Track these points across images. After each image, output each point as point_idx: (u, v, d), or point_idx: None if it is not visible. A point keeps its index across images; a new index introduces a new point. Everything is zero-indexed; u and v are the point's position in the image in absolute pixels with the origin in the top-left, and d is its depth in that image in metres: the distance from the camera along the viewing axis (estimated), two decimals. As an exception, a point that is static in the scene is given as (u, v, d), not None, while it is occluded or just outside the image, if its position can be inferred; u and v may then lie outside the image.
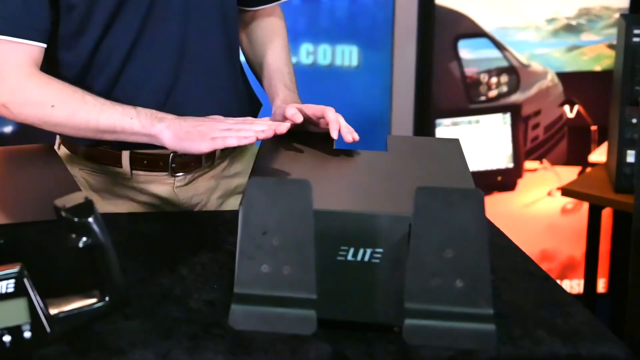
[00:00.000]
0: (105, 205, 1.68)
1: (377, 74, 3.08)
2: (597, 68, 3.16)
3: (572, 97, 3.18)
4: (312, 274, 1.16)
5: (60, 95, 1.55)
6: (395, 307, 1.18)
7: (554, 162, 3.21)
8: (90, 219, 1.13)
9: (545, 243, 3.23)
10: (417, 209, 1.14)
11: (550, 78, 3.15)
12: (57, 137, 1.75)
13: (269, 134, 1.43)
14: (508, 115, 3.16)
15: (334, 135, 1.51)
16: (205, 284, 1.38)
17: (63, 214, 1.13)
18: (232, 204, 1.77)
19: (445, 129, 3.12)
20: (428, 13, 3.03)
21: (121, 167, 1.69)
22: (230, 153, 1.78)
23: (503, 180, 3.18)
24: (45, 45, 1.58)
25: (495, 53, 3.10)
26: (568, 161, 3.22)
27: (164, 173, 1.70)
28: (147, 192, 1.71)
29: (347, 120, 1.54)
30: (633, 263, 2.24)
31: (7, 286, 1.09)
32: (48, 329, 1.12)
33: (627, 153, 2.59)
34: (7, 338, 1.10)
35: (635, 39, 2.54)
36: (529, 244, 2.91)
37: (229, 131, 1.46)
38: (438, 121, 3.12)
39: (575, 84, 3.16)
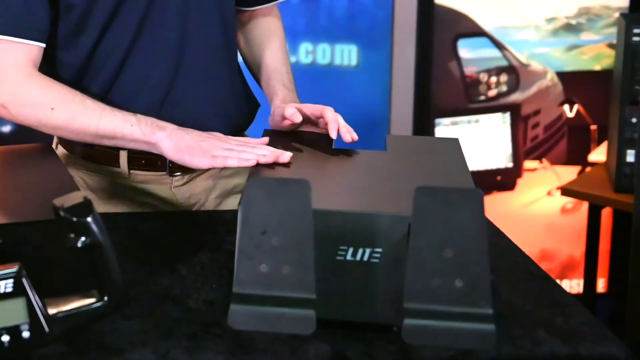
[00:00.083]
0: (103, 205, 1.68)
1: (376, 74, 3.08)
2: (597, 67, 3.16)
3: (571, 96, 3.18)
4: (312, 273, 1.16)
5: (61, 98, 1.55)
6: (395, 307, 1.18)
7: (554, 162, 3.21)
8: (89, 219, 1.13)
9: (545, 243, 3.23)
10: (417, 208, 1.14)
11: (550, 77, 3.15)
12: (55, 136, 1.74)
13: (269, 159, 1.42)
14: (507, 115, 3.15)
15: (333, 135, 1.51)
16: (204, 283, 1.37)
17: (62, 213, 1.12)
18: (230, 203, 1.76)
19: (444, 128, 3.12)
20: (427, 12, 3.03)
21: (119, 166, 1.68)
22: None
23: (503, 180, 3.18)
24: (44, 45, 1.57)
25: (494, 52, 3.10)
26: (568, 161, 3.21)
27: (162, 173, 1.70)
28: (145, 192, 1.70)
29: (346, 120, 1.54)
30: (633, 263, 2.24)
31: (6, 286, 1.08)
32: (47, 329, 1.12)
33: (627, 152, 2.59)
34: (5, 338, 1.10)
35: (635, 39, 2.53)
36: (528, 244, 2.91)
37: (230, 151, 1.46)
38: (437, 121, 3.12)
39: (575, 83, 3.16)
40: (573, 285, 3.25)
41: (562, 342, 1.24)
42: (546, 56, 3.14)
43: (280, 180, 1.21)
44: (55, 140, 1.75)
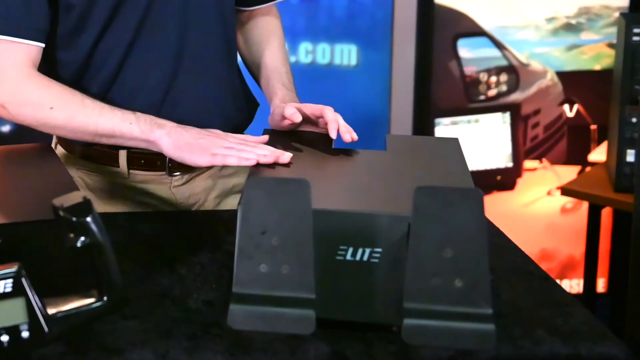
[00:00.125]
0: (103, 205, 1.68)
1: (376, 73, 3.08)
2: (597, 67, 3.16)
3: (571, 96, 3.17)
4: (311, 273, 1.16)
5: (60, 97, 1.55)
6: (394, 307, 1.18)
7: (554, 162, 3.21)
8: (89, 219, 1.13)
9: (545, 242, 3.22)
10: (417, 208, 1.14)
11: (550, 77, 3.15)
12: (54, 136, 1.74)
13: (269, 160, 1.42)
14: (507, 115, 3.15)
15: (333, 135, 1.51)
16: (204, 283, 1.37)
17: (61, 213, 1.12)
18: (230, 203, 1.76)
19: (444, 128, 3.12)
20: (427, 12, 3.03)
21: (118, 166, 1.68)
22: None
23: (502, 180, 3.18)
24: (43, 45, 1.57)
25: (494, 52, 3.10)
26: (568, 160, 3.21)
27: (161, 172, 1.70)
28: (144, 192, 1.70)
29: (346, 120, 1.53)
30: (633, 263, 2.24)
31: (5, 286, 1.08)
32: (46, 329, 1.12)
33: (627, 152, 2.58)
34: (4, 338, 1.09)
35: (635, 38, 2.53)
36: (528, 244, 2.91)
37: (230, 150, 1.46)
38: (437, 120, 3.12)
39: (574, 83, 3.16)
40: (573, 285, 3.25)
41: (562, 342, 1.23)
42: (546, 56, 3.13)
43: (280, 180, 1.21)
44: (54, 140, 1.75)
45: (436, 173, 1.40)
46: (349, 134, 1.51)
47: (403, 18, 3.02)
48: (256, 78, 1.80)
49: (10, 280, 1.08)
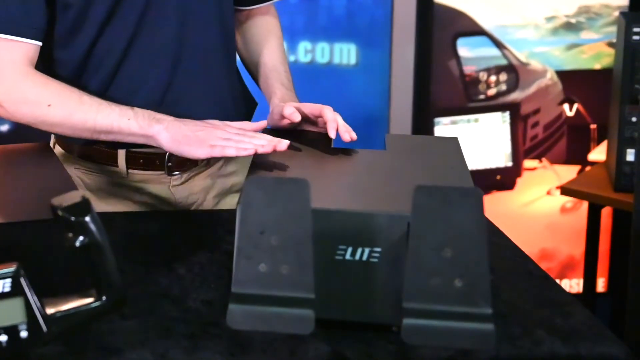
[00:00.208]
0: (101, 205, 1.68)
1: (375, 73, 3.08)
2: (597, 66, 3.16)
3: (571, 95, 3.17)
4: (310, 273, 1.15)
5: (57, 94, 1.55)
6: (394, 307, 1.17)
7: (554, 161, 3.21)
8: (87, 218, 1.12)
9: (545, 242, 3.22)
10: (416, 208, 1.14)
11: (550, 76, 3.15)
12: (52, 136, 1.74)
13: (268, 149, 1.42)
14: (507, 114, 3.15)
15: (332, 134, 1.51)
16: (203, 283, 1.37)
17: (60, 213, 1.12)
18: (229, 202, 1.76)
19: (444, 127, 3.12)
20: (427, 11, 3.03)
21: (117, 166, 1.68)
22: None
23: (502, 179, 3.18)
24: (40, 44, 1.57)
25: (494, 51, 3.10)
26: (567, 160, 3.21)
27: (160, 172, 1.69)
28: (143, 191, 1.70)
29: (345, 119, 1.53)
30: (633, 262, 2.24)
31: (4, 285, 1.08)
32: (45, 329, 1.11)
33: (627, 152, 2.58)
34: (3, 338, 1.09)
35: (635, 37, 2.53)
36: (528, 243, 2.90)
37: (228, 141, 1.46)
38: (437, 120, 3.12)
39: (574, 82, 3.16)
40: (573, 284, 3.25)
41: (562, 342, 1.23)
42: (546, 55, 3.13)
43: (279, 179, 1.21)
44: (52, 140, 1.75)
45: (436, 172, 1.40)
46: (348, 134, 1.51)
47: (402, 17, 3.02)
48: (255, 77, 1.80)
49: (8, 280, 1.08)
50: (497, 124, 3.15)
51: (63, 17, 1.58)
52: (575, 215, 3.19)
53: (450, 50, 3.08)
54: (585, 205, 2.92)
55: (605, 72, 3.07)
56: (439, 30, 3.05)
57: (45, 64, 1.62)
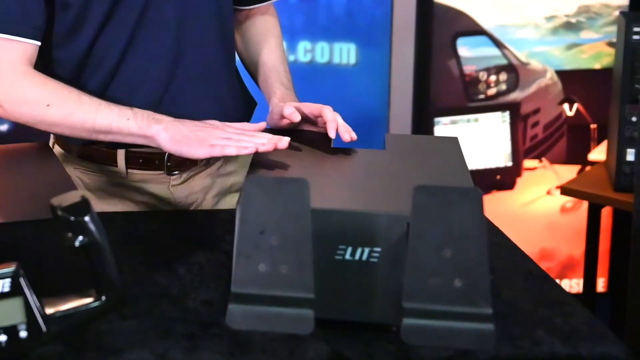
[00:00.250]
0: (101, 205, 1.68)
1: (375, 72, 3.08)
2: (597, 66, 3.16)
3: (571, 95, 3.17)
4: (310, 273, 1.15)
5: (56, 94, 1.55)
6: (394, 307, 1.17)
7: (553, 161, 3.21)
8: (87, 218, 1.12)
9: (545, 242, 3.22)
10: (416, 207, 1.14)
11: (550, 76, 3.15)
12: (52, 136, 1.74)
13: (269, 147, 1.42)
14: (507, 114, 3.15)
15: (332, 134, 1.51)
16: (202, 283, 1.37)
17: (59, 212, 1.12)
18: (228, 202, 1.76)
19: (443, 127, 3.12)
20: (426, 10, 3.03)
21: (116, 166, 1.68)
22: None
23: (502, 179, 3.18)
24: (39, 44, 1.57)
25: (494, 51, 3.10)
26: (567, 160, 3.21)
27: (160, 172, 1.69)
28: (142, 191, 1.70)
29: (345, 119, 1.53)
30: (633, 262, 2.24)
31: (3, 285, 1.08)
32: (44, 329, 1.11)
33: (627, 151, 2.58)
34: (2, 338, 1.09)
35: (635, 37, 2.53)
36: (528, 243, 2.90)
37: (228, 140, 1.46)
38: (436, 119, 3.11)
39: (574, 82, 3.16)
40: (573, 284, 3.25)
41: (562, 342, 1.23)
42: (546, 55, 3.13)
43: (278, 179, 1.21)
44: (51, 140, 1.75)
45: (435, 172, 1.40)
46: (347, 134, 1.50)
47: (402, 17, 3.02)
48: (254, 77, 1.80)
49: (8, 280, 1.08)
50: (497, 124, 3.15)
51: (62, 17, 1.58)
52: (575, 215, 3.19)
53: (450, 50, 3.08)
54: (585, 205, 2.92)
55: (605, 72, 3.06)
56: (438, 30, 3.05)
57: (44, 64, 1.62)
